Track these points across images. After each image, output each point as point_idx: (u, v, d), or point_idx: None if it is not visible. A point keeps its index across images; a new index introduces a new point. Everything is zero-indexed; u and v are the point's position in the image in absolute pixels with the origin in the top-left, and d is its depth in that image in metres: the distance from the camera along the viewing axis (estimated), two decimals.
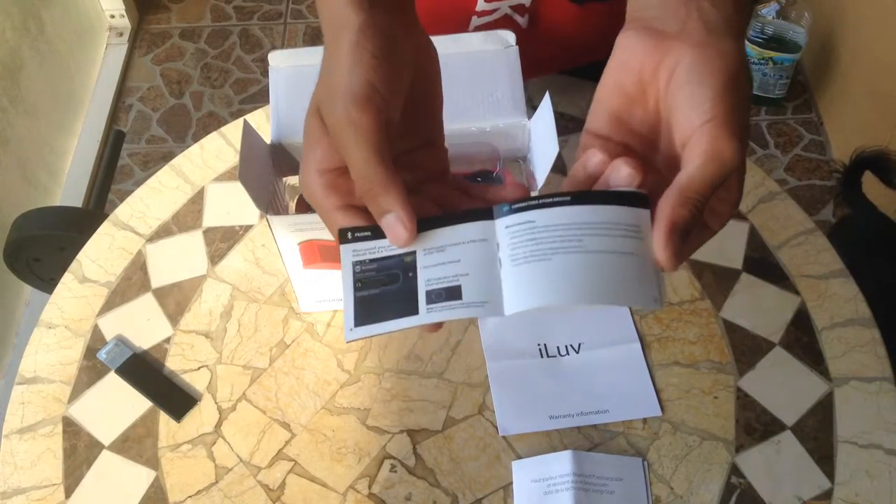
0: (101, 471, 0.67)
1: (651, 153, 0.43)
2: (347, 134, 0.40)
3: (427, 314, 0.40)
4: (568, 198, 0.40)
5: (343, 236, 0.42)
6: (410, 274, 0.41)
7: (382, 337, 0.73)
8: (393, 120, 0.41)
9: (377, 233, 0.42)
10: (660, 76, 0.41)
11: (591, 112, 0.44)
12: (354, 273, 0.42)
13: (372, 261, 0.42)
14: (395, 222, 0.40)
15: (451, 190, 0.45)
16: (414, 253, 0.41)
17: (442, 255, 0.41)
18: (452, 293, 0.40)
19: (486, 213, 0.42)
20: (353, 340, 0.42)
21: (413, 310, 0.40)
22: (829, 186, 1.77)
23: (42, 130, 1.75)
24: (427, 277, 0.41)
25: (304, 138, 0.43)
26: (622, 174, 0.40)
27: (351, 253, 0.42)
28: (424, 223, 0.41)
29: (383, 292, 0.41)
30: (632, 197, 0.39)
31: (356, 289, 0.41)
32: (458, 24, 0.79)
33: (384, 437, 0.68)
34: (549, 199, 0.40)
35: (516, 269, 0.39)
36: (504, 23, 0.78)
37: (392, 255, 0.41)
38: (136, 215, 0.82)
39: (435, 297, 0.40)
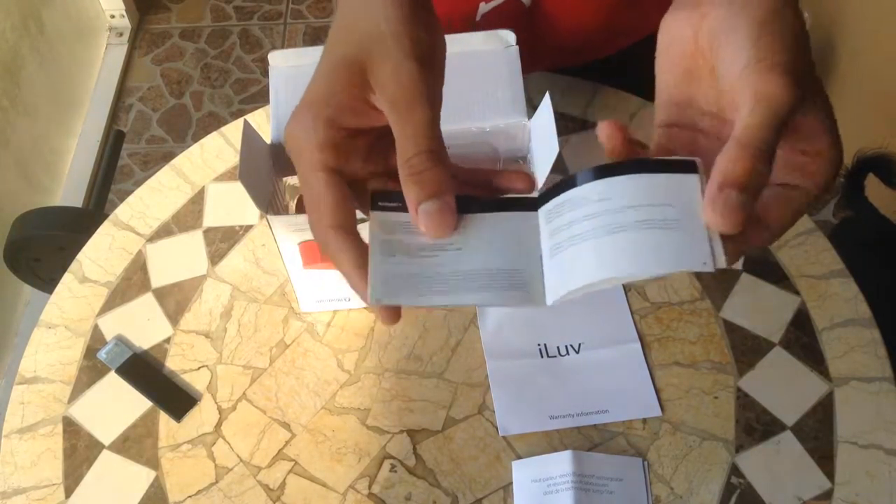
0: (101, 471, 0.67)
1: (723, 128, 0.38)
2: (415, 97, 0.36)
3: (462, 295, 0.37)
4: (591, 174, 0.37)
5: (373, 202, 0.39)
6: (445, 252, 0.38)
7: (382, 336, 0.73)
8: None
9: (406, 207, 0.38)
10: (701, 43, 0.38)
11: (657, 106, 0.40)
12: (381, 240, 0.38)
13: (403, 232, 0.39)
14: (444, 209, 0.36)
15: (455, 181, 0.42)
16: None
17: (481, 244, 0.38)
18: (494, 279, 0.38)
19: (530, 204, 0.39)
20: (377, 305, 0.39)
21: (447, 288, 0.37)
22: None
23: (42, 130, 1.75)
24: (464, 259, 0.38)
25: (319, 85, 0.39)
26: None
27: (378, 219, 0.39)
28: (461, 204, 0.38)
29: (413, 263, 0.38)
30: (676, 164, 0.36)
31: (382, 252, 0.38)
32: (467, 12, 0.79)
33: (384, 437, 0.68)
34: (576, 178, 0.37)
35: (553, 261, 0.37)
36: (509, 5, 0.77)
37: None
38: (136, 215, 0.82)
39: (473, 277, 0.38)
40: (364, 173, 0.41)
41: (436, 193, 0.36)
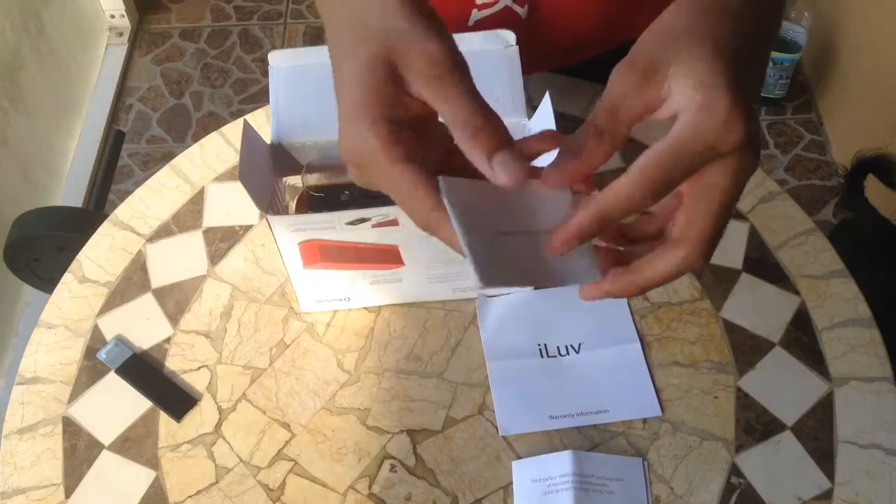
0: (101, 471, 0.67)
1: None
2: (446, 71, 0.38)
3: (549, 277, 0.39)
4: None
5: (440, 189, 0.38)
6: (522, 229, 0.39)
7: (382, 336, 0.73)
8: None
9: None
10: None
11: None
12: (462, 221, 0.37)
13: (479, 211, 0.39)
14: (517, 156, 0.37)
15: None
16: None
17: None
18: (561, 259, 0.39)
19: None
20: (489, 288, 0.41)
21: (536, 270, 0.39)
22: (830, 186, 1.77)
23: (42, 130, 1.75)
24: (538, 240, 0.39)
25: (358, 89, 0.39)
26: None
27: (451, 201, 0.38)
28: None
29: (498, 243, 0.38)
30: None
31: (469, 232, 0.37)
32: (459, 17, 0.79)
33: (384, 437, 0.68)
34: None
35: None
36: (504, 14, 0.77)
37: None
38: (136, 215, 0.82)
39: (549, 259, 0.39)
40: (426, 161, 0.41)
41: (502, 143, 0.37)
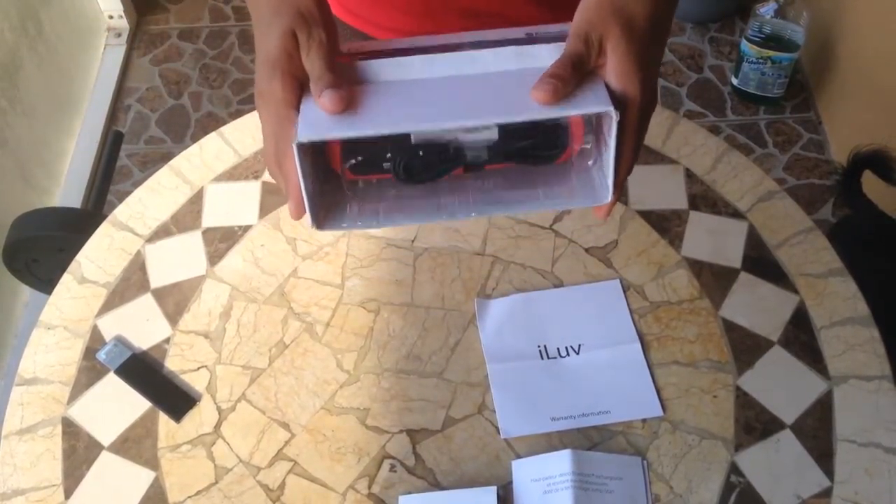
0: (100, 471, 0.67)
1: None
2: (321, 50, 0.53)
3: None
4: None
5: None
6: None
7: (381, 336, 0.73)
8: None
9: None
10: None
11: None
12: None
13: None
14: (331, 94, 0.51)
15: None
16: None
17: None
18: None
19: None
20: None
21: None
22: (828, 185, 1.77)
23: (41, 131, 1.75)
24: None
25: (273, 51, 0.52)
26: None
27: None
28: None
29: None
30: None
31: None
32: None
33: (384, 437, 0.68)
34: None
35: None
36: None
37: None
38: (135, 216, 0.82)
39: None
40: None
41: (331, 86, 0.51)
